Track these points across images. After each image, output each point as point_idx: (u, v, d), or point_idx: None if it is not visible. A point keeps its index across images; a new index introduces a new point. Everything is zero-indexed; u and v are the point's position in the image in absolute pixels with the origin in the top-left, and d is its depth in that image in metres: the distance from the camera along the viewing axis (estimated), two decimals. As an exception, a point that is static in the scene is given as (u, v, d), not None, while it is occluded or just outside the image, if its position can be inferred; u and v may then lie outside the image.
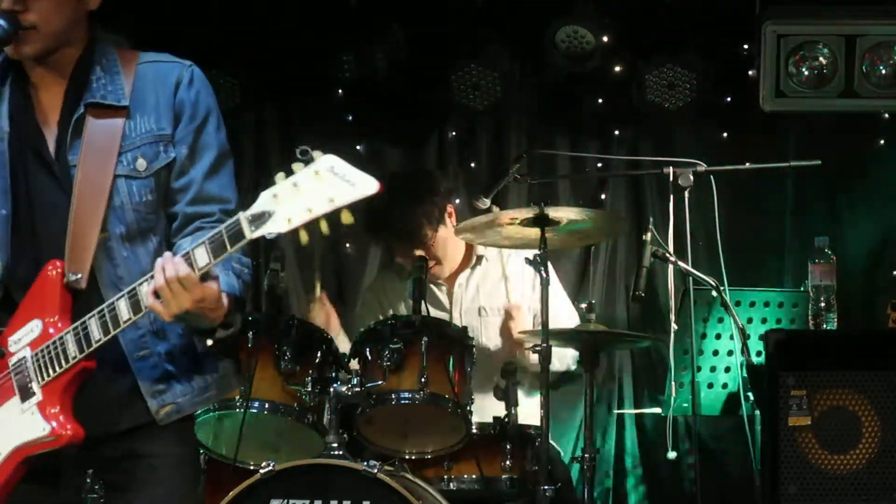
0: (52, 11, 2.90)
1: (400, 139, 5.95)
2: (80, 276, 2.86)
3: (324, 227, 2.56)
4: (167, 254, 2.77)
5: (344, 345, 4.80)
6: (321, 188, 2.54)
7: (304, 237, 2.58)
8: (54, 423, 2.82)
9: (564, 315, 5.02)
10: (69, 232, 2.88)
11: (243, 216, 2.63)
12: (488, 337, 5.04)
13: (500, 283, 5.13)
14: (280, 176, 2.59)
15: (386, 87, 5.94)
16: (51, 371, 2.84)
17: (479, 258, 5.16)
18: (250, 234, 2.63)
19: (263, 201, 2.60)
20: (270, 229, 2.59)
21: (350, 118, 6.08)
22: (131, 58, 3.03)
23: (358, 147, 6.07)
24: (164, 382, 2.94)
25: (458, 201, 5.63)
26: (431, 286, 5.09)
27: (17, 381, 2.87)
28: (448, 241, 5.07)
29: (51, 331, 2.85)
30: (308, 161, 2.58)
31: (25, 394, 2.85)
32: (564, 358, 5.00)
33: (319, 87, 6.00)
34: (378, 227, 5.04)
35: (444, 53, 5.96)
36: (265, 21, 5.88)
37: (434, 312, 5.01)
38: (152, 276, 2.74)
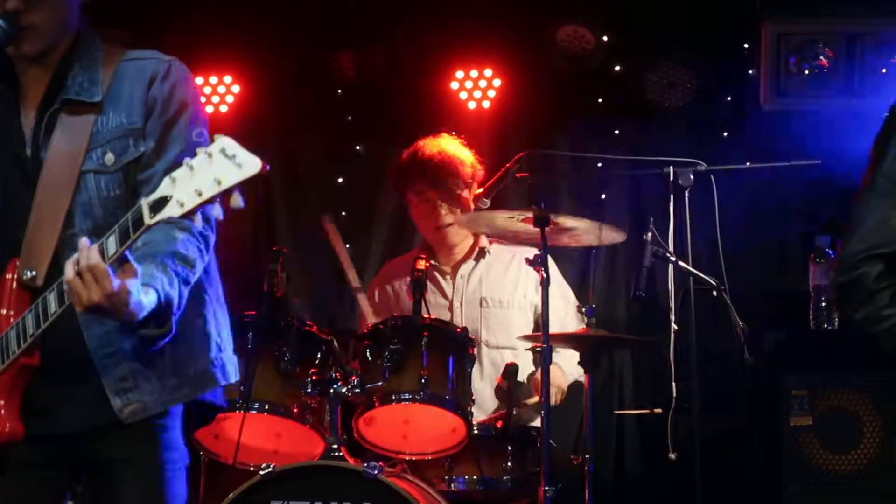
0: (52, 10, 2.92)
1: (400, 139, 5.94)
2: (34, 273, 2.82)
3: (216, 211, 2.50)
4: (83, 240, 2.69)
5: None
6: (211, 170, 2.48)
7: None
8: None
9: (562, 321, 5.03)
10: (27, 229, 2.87)
11: (145, 202, 2.58)
12: (488, 328, 5.05)
13: (503, 276, 5.15)
14: (186, 159, 2.53)
15: (386, 87, 5.94)
16: None
17: (483, 250, 5.19)
18: (149, 219, 2.57)
19: (164, 186, 2.54)
20: (167, 214, 2.54)
21: (350, 118, 6.08)
22: (116, 54, 3.02)
23: (358, 147, 6.06)
24: (131, 380, 2.89)
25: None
26: (435, 273, 5.14)
27: None
28: (458, 231, 5.14)
29: (5, 328, 2.83)
30: (205, 143, 2.53)
31: None
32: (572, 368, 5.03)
33: (319, 87, 6.00)
34: (419, 157, 5.12)
35: (444, 53, 5.95)
36: (265, 21, 5.87)
37: (436, 301, 5.06)
38: None
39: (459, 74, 6.00)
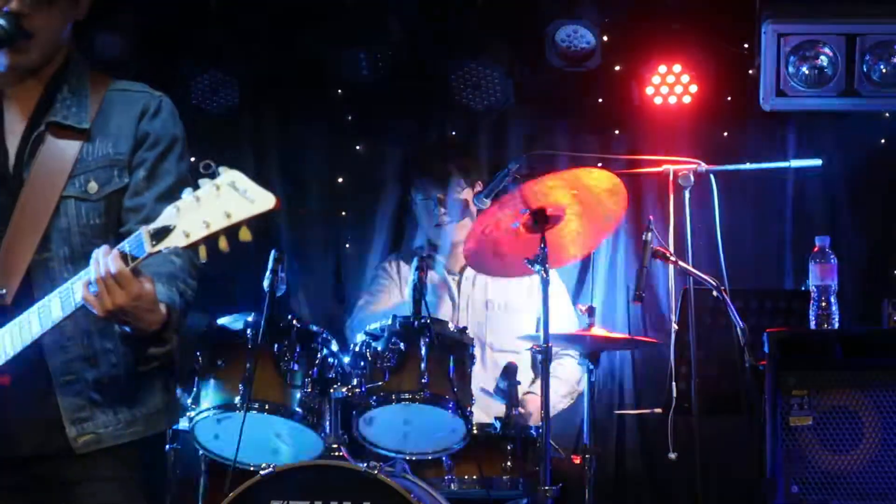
0: (53, 19, 2.91)
1: (400, 139, 5.94)
2: (3, 291, 2.81)
3: (222, 243, 2.50)
4: (104, 247, 2.67)
5: None
6: (220, 203, 2.49)
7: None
8: None
9: (564, 321, 5.05)
10: (1, 247, 2.84)
11: (145, 230, 2.58)
12: (492, 330, 5.10)
13: (509, 280, 5.17)
14: (188, 190, 2.53)
15: (386, 87, 5.94)
16: None
17: None
18: (150, 248, 2.57)
19: (167, 215, 2.54)
20: (170, 244, 2.54)
21: (350, 118, 6.08)
22: (103, 82, 3.02)
23: (358, 147, 6.06)
24: (87, 410, 2.88)
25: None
26: (445, 274, 5.20)
27: None
28: (457, 230, 5.17)
29: None
30: (212, 175, 2.52)
31: None
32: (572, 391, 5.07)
33: (319, 87, 6.00)
34: (424, 155, 5.35)
35: (444, 53, 5.95)
36: (265, 21, 5.87)
37: (444, 302, 5.11)
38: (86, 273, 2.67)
39: (459, 74, 5.98)
